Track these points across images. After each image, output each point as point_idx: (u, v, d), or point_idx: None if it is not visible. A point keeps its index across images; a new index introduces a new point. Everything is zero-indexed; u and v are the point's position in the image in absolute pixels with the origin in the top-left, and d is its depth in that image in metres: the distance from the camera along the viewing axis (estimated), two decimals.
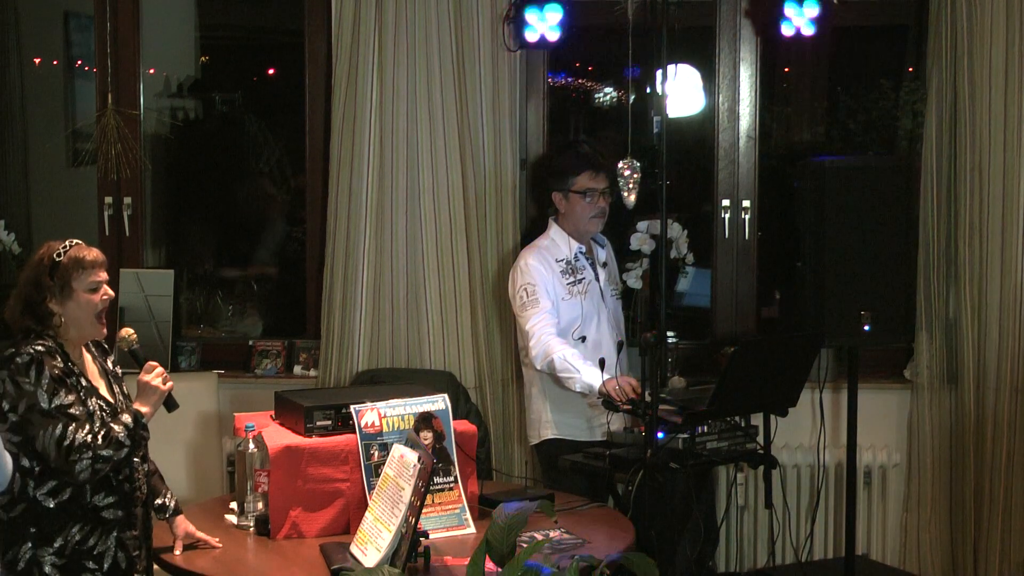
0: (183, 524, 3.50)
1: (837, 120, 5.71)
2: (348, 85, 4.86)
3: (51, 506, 3.20)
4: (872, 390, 4.84)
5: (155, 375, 3.33)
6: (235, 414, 3.97)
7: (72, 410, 3.17)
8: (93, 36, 5.24)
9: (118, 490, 3.28)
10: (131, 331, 3.49)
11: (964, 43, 4.73)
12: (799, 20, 4.67)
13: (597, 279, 4.50)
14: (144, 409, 3.28)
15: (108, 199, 5.17)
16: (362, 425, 3.63)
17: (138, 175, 5.19)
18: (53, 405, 3.15)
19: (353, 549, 3.27)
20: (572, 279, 4.43)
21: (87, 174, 5.31)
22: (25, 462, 3.18)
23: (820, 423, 4.61)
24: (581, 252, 4.49)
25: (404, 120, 4.87)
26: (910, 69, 5.35)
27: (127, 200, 5.17)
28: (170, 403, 3.39)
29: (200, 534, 3.50)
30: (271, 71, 6.62)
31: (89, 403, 3.24)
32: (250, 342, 5.21)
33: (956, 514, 4.89)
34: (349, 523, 3.56)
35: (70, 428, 3.14)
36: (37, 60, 5.87)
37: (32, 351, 3.18)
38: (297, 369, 5.15)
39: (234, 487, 3.94)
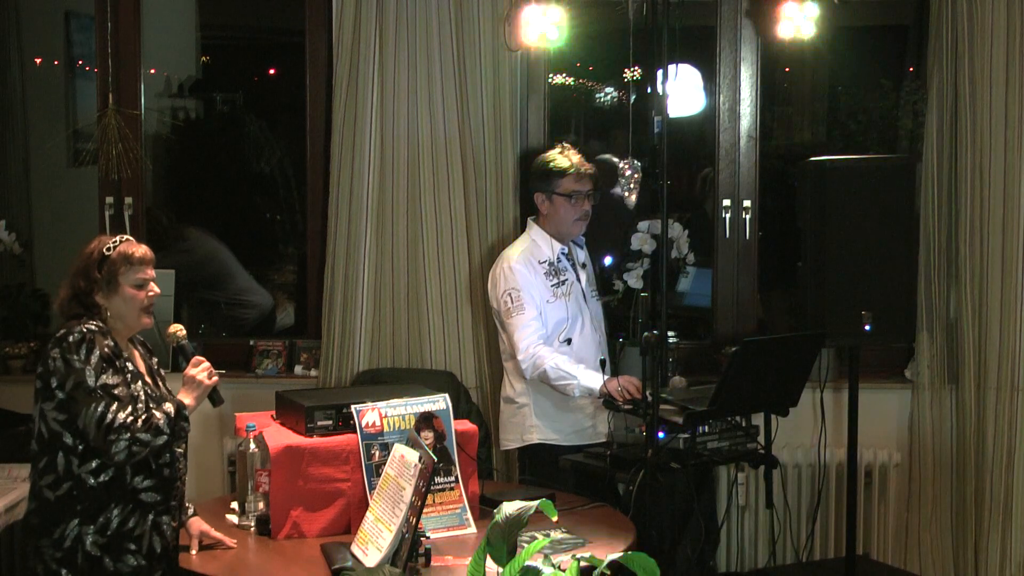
0: (198, 524, 3.51)
1: (837, 120, 5.71)
2: (349, 85, 4.86)
3: (93, 484, 3.24)
4: (873, 390, 4.84)
5: (201, 369, 3.39)
6: (236, 414, 3.98)
7: (116, 391, 3.22)
8: (94, 36, 5.23)
9: (157, 474, 3.33)
10: (179, 327, 3.55)
11: (964, 43, 4.73)
12: (800, 20, 4.67)
13: (579, 280, 4.49)
14: (187, 401, 3.34)
15: (109, 199, 5.16)
16: (363, 425, 3.63)
17: (139, 175, 5.19)
18: (98, 383, 3.20)
19: (354, 549, 3.27)
20: (556, 280, 4.41)
21: (88, 174, 5.31)
22: (69, 440, 3.22)
23: (821, 423, 4.61)
24: (563, 253, 4.48)
25: (405, 120, 4.87)
26: (910, 69, 5.36)
27: (128, 200, 5.16)
28: (215, 397, 3.45)
29: (216, 534, 3.51)
30: (272, 71, 6.63)
31: (134, 387, 3.28)
32: (251, 342, 5.21)
33: (957, 514, 4.89)
34: (350, 523, 3.56)
35: (112, 407, 3.18)
36: (38, 60, 5.87)
37: (84, 330, 3.24)
38: (298, 369, 5.15)
39: (235, 487, 3.94)
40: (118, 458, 3.19)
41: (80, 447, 3.23)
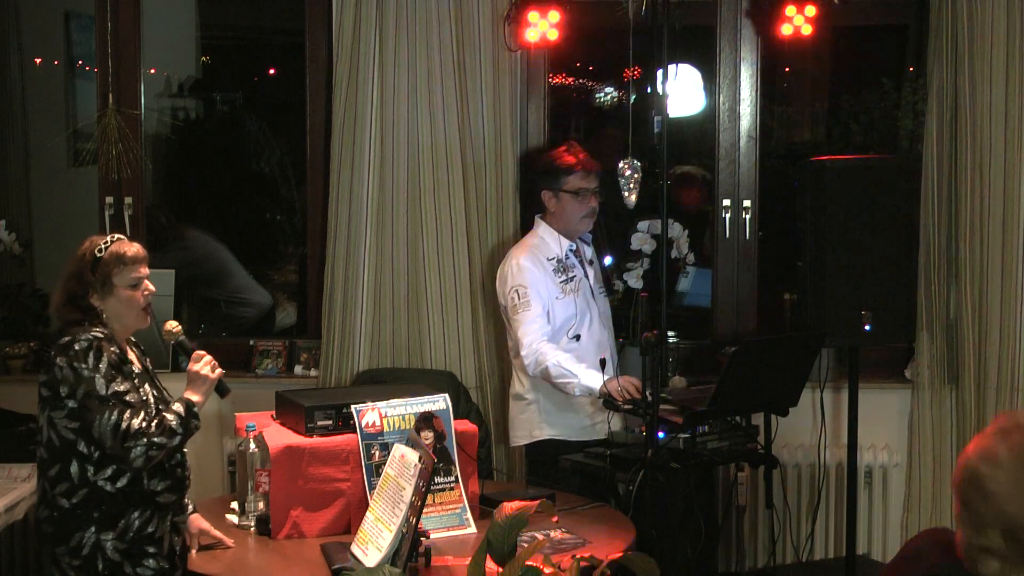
0: (197, 522, 3.51)
1: (838, 120, 5.71)
2: (349, 85, 4.86)
3: (111, 491, 3.22)
4: (873, 390, 4.84)
5: (204, 364, 3.36)
6: (236, 414, 3.97)
7: (127, 397, 3.21)
8: (94, 36, 5.23)
9: (171, 475, 3.33)
10: (175, 323, 3.51)
11: (965, 42, 4.73)
12: (800, 20, 4.68)
13: (587, 276, 4.50)
14: (195, 398, 3.32)
15: (109, 199, 5.16)
16: (363, 425, 3.63)
17: (139, 175, 5.19)
18: (109, 391, 3.18)
19: (354, 549, 3.27)
20: (564, 277, 4.42)
21: (88, 174, 5.31)
22: (83, 448, 3.21)
23: (821, 423, 4.61)
24: (571, 250, 4.49)
25: (405, 120, 4.87)
26: (910, 69, 5.36)
27: (128, 200, 5.16)
28: (222, 388, 3.43)
29: (216, 532, 3.51)
30: (272, 71, 6.63)
31: (142, 391, 3.28)
32: (251, 342, 5.21)
33: None
34: (350, 523, 3.56)
35: (125, 415, 3.17)
36: (38, 60, 5.87)
37: (91, 337, 3.22)
38: (298, 369, 5.15)
39: (235, 487, 3.94)
40: (136, 464, 3.18)
41: (95, 454, 3.21)
